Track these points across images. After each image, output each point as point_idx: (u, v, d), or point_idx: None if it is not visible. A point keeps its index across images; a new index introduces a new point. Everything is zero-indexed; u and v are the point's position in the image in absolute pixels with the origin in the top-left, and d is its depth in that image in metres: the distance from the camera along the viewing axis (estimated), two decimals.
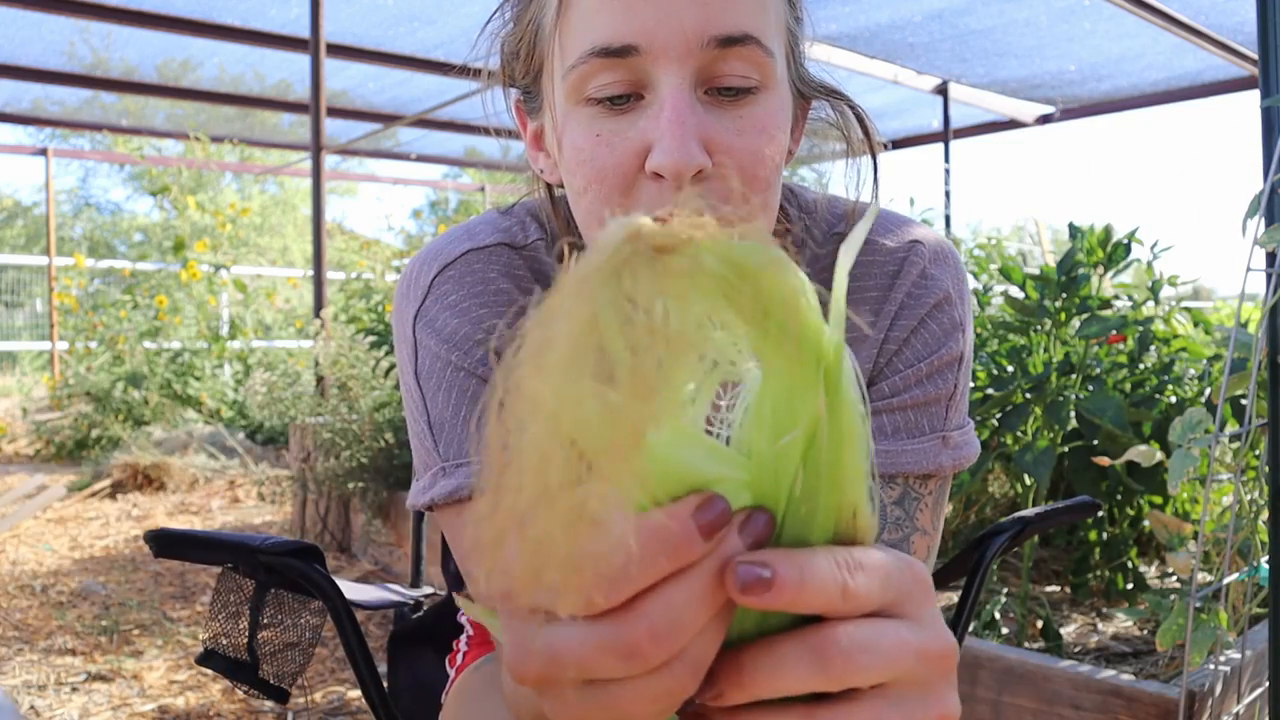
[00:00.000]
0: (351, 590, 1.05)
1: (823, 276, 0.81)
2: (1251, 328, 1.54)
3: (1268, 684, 1.37)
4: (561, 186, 0.75)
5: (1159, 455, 1.53)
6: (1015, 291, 2.56)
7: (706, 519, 0.33)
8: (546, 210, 0.81)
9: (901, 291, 0.78)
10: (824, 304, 0.35)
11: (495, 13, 0.78)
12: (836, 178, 0.82)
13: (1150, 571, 2.51)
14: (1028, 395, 2.22)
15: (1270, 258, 1.28)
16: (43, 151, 9.01)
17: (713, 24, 0.63)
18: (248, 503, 4.74)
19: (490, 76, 0.79)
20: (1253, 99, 1.36)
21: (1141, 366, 2.44)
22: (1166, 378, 2.37)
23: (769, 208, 0.70)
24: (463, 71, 0.81)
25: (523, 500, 0.31)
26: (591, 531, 0.31)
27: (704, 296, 0.31)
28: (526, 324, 0.32)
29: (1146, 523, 2.32)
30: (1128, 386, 2.41)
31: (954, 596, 2.19)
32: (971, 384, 2.42)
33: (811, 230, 0.82)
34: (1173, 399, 2.32)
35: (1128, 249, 2.24)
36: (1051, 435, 2.15)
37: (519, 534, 0.31)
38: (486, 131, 0.82)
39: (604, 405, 0.30)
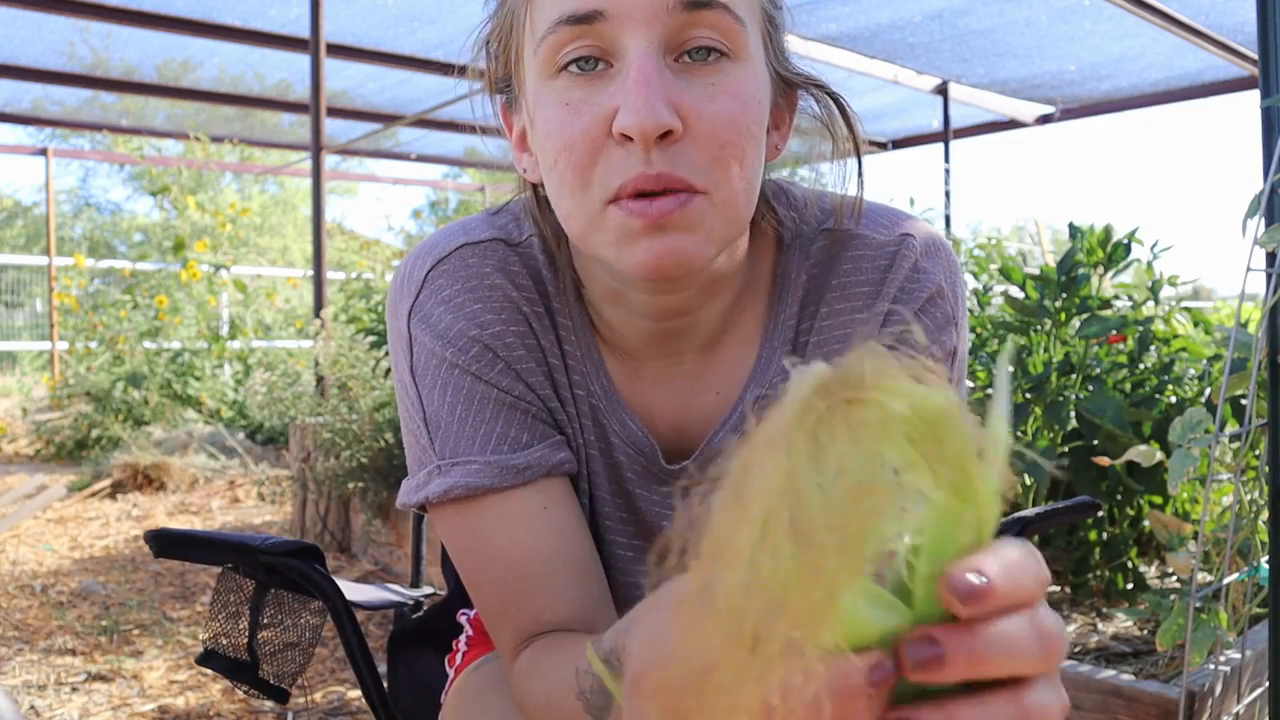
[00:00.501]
0: (351, 590, 1.05)
1: (813, 273, 0.81)
2: (1251, 328, 1.54)
3: (1268, 684, 1.37)
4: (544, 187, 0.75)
5: (1159, 455, 1.53)
6: (1015, 291, 2.56)
7: (876, 678, 0.34)
8: (533, 212, 0.80)
9: (894, 286, 0.77)
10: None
11: (483, 23, 0.78)
12: (829, 174, 0.82)
13: (1150, 571, 2.51)
14: (1028, 395, 2.22)
15: (1270, 258, 1.28)
16: (43, 151, 9.02)
17: None
18: (248, 503, 4.74)
19: (480, 74, 0.79)
20: (1253, 99, 1.36)
21: (1141, 366, 2.44)
22: (1166, 378, 2.37)
23: (748, 184, 0.68)
24: (449, 69, 0.81)
25: (713, 649, 0.33)
26: (776, 684, 0.32)
27: (894, 444, 0.32)
28: (722, 472, 0.33)
29: (1146, 523, 2.32)
30: (1128, 386, 2.41)
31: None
32: (971, 384, 2.43)
33: (802, 227, 0.81)
34: (1173, 399, 2.32)
35: (1128, 249, 2.24)
36: (1051, 435, 2.15)
37: (704, 680, 0.33)
38: (484, 131, 0.82)
39: (801, 562, 0.31)
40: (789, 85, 0.75)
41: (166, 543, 0.92)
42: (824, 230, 0.80)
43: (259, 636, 0.95)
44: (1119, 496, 2.32)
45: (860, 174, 0.79)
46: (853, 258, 0.79)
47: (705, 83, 0.65)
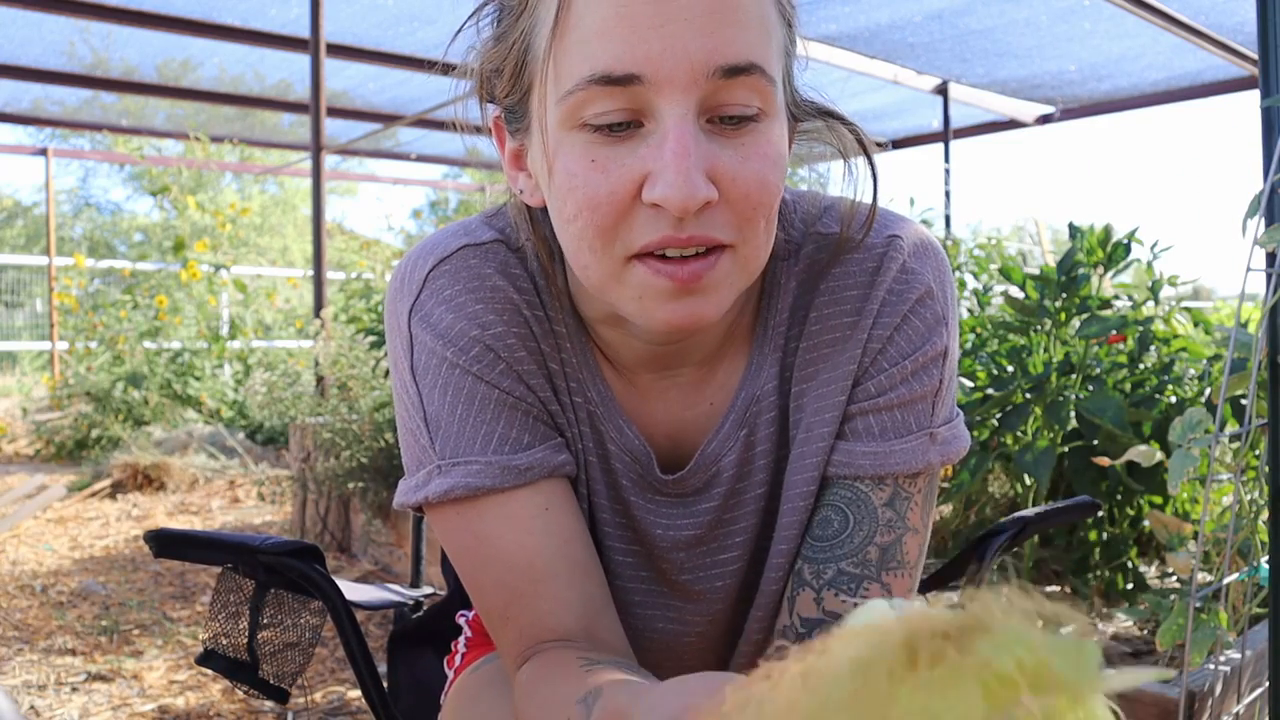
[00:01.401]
0: (351, 590, 1.05)
1: (801, 277, 0.80)
2: (1251, 328, 1.54)
3: (1268, 684, 1.37)
4: (542, 208, 0.73)
5: (1159, 455, 1.53)
6: (1015, 291, 2.56)
7: None
8: (525, 230, 0.79)
9: (882, 288, 0.77)
10: None
11: (468, 20, 0.75)
12: (834, 183, 0.81)
13: (1150, 571, 2.51)
14: (1028, 395, 2.22)
15: (1270, 258, 1.28)
16: (43, 151, 9.03)
17: (719, 53, 0.61)
18: (248, 503, 4.74)
19: (469, 73, 0.76)
20: (1253, 99, 1.36)
21: (1141, 366, 2.44)
22: (1166, 378, 2.37)
23: (770, 234, 0.69)
24: (448, 69, 0.79)
25: None
26: None
27: (965, 700, 0.30)
28: (776, 679, 0.32)
29: (1146, 523, 2.32)
30: (1128, 386, 2.41)
31: (954, 597, 2.19)
32: (971, 384, 2.43)
33: (791, 232, 0.81)
34: (1173, 399, 2.32)
35: (1128, 249, 2.25)
36: (1051, 435, 2.15)
37: None
38: (480, 130, 0.81)
39: None
40: (795, 118, 0.74)
41: (166, 543, 0.92)
42: (812, 234, 0.80)
43: (259, 636, 0.95)
44: (1119, 496, 2.32)
45: (875, 197, 0.78)
46: (840, 261, 0.78)
47: (736, 143, 0.64)
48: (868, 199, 0.79)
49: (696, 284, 0.65)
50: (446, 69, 0.77)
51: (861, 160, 0.78)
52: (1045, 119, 6.96)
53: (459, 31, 0.76)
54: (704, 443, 0.81)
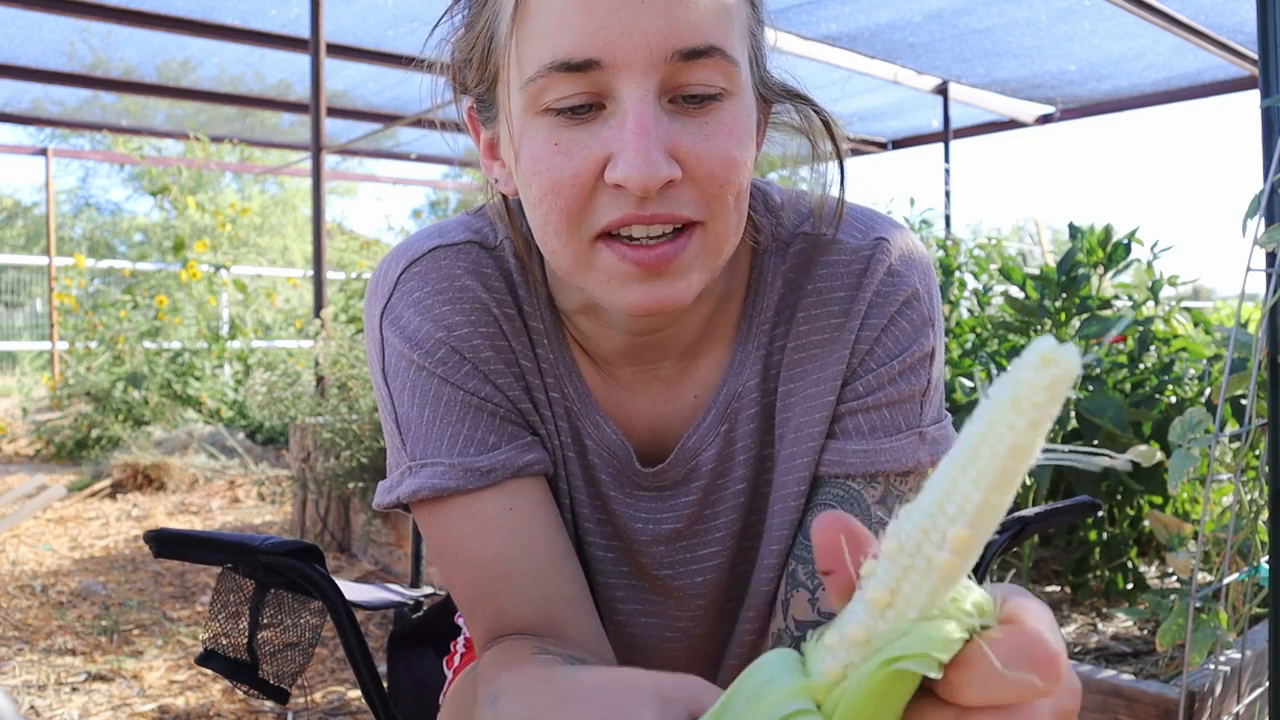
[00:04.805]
0: (351, 590, 1.05)
1: (788, 276, 0.81)
2: (1251, 328, 1.54)
3: (1268, 684, 1.37)
4: (517, 196, 0.74)
5: (1159, 455, 1.53)
6: (1015, 291, 2.56)
7: None
8: (503, 220, 0.79)
9: (869, 290, 0.78)
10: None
11: (444, 15, 0.75)
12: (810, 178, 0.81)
13: (1150, 571, 2.51)
14: None
15: (1270, 258, 1.28)
16: (43, 151, 9.02)
17: (676, 36, 0.62)
18: (248, 503, 4.74)
19: (443, 69, 0.77)
20: (1253, 99, 1.36)
21: (1141, 366, 2.44)
22: (1166, 378, 2.37)
23: (740, 212, 0.69)
24: (405, 62, 0.79)
25: None
26: None
27: None
28: None
29: (1146, 523, 2.32)
30: (1128, 386, 2.41)
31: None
32: (971, 384, 2.42)
33: (778, 230, 0.81)
34: (1173, 399, 2.32)
35: (1128, 249, 2.25)
36: (1051, 435, 2.15)
37: None
38: (460, 129, 0.81)
39: None
40: (766, 100, 0.75)
41: (166, 543, 0.92)
42: (800, 234, 0.80)
43: (259, 636, 0.95)
44: (1119, 496, 2.32)
45: (842, 182, 0.79)
46: (828, 263, 0.79)
47: (700, 122, 0.64)
48: (838, 184, 0.79)
49: (665, 267, 0.65)
50: (413, 62, 0.78)
51: (830, 148, 0.78)
52: (1045, 119, 6.96)
53: (436, 25, 0.76)
54: (684, 436, 0.82)
